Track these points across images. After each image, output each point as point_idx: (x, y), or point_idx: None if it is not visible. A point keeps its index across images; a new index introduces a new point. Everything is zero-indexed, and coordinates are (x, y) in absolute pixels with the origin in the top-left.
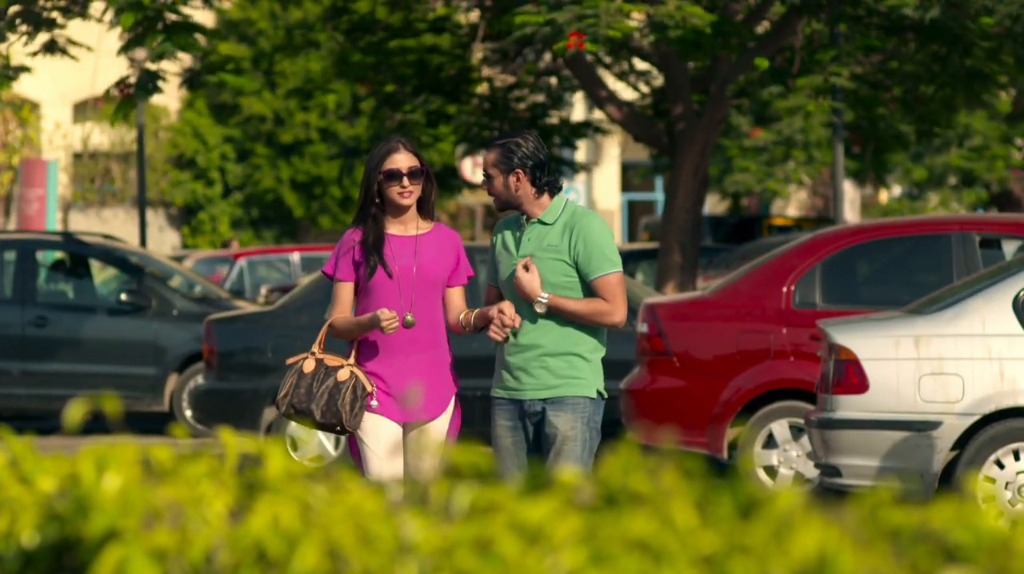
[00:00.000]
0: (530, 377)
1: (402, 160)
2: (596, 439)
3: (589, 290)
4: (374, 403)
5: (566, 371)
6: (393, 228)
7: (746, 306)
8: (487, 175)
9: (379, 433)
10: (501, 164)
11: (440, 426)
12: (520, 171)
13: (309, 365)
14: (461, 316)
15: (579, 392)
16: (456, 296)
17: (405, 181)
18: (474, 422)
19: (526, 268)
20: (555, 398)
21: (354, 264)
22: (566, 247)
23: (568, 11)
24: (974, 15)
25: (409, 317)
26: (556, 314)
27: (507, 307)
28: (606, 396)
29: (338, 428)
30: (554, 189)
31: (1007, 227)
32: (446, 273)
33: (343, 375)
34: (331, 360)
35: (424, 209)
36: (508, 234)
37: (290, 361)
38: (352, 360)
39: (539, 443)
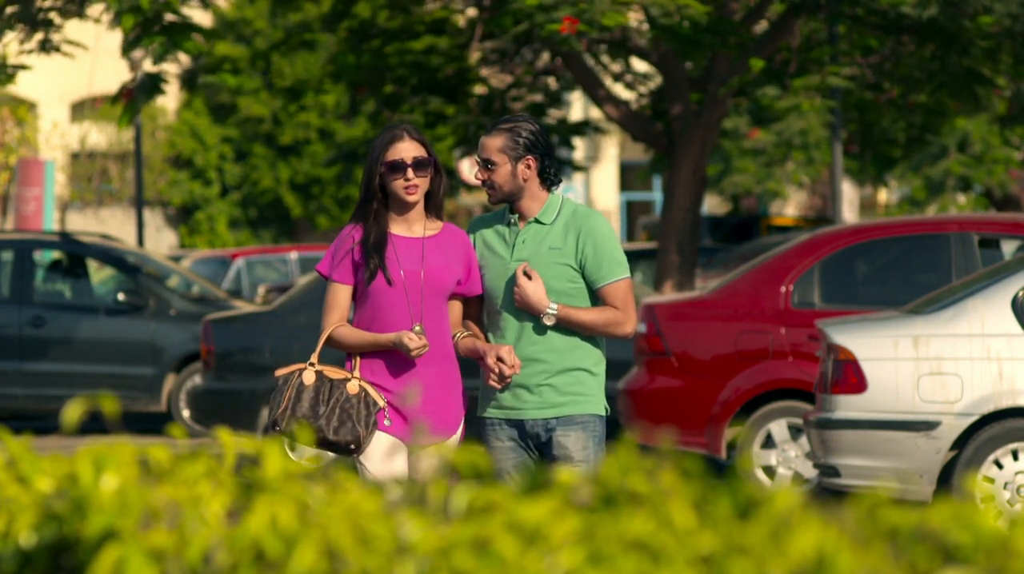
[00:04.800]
0: (532, 395)
1: (407, 149)
2: (604, 455)
3: (594, 296)
4: (387, 422)
5: (572, 387)
6: (397, 228)
7: (745, 306)
8: (489, 162)
9: (383, 456)
10: (509, 150)
11: (451, 446)
12: (530, 158)
13: (309, 377)
14: (455, 336)
15: (588, 410)
16: (456, 309)
17: (410, 173)
18: (472, 422)
19: (527, 275)
20: (562, 417)
21: (354, 266)
22: (572, 250)
23: None
24: (972, 14)
25: (417, 329)
26: (564, 326)
27: (507, 354)
28: (609, 411)
29: (352, 447)
30: (557, 183)
31: (1006, 227)
32: (455, 280)
33: (353, 388)
34: (332, 372)
35: (432, 206)
36: (491, 234)
37: (280, 372)
38: (357, 373)
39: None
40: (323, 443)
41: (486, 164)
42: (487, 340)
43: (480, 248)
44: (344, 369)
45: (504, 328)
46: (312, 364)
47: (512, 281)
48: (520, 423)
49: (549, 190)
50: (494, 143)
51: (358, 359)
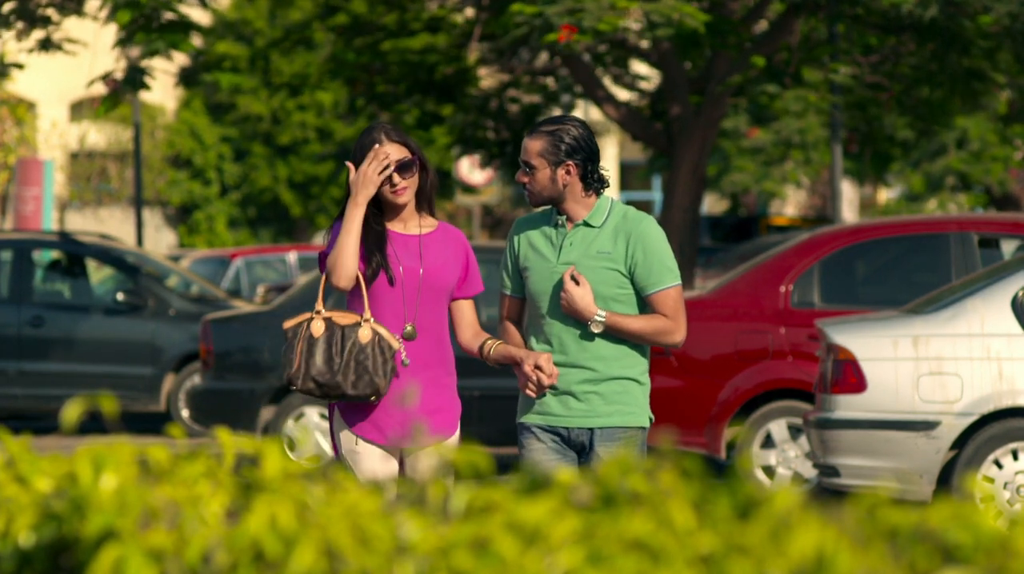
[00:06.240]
0: (579, 402)
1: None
2: None
3: (643, 303)
4: (405, 362)
5: (620, 398)
6: (392, 226)
7: (744, 306)
8: (529, 165)
9: (375, 467)
10: (549, 154)
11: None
12: (571, 163)
13: (318, 327)
14: (485, 344)
15: (633, 422)
16: (467, 310)
17: (395, 177)
18: (472, 422)
19: (575, 280)
20: (606, 428)
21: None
22: (621, 255)
23: (560, 5)
24: (972, 14)
25: (409, 328)
26: (611, 334)
27: (546, 363)
28: (654, 420)
29: (372, 399)
30: (602, 187)
31: (1006, 227)
32: (454, 280)
33: (365, 335)
34: (341, 317)
35: (423, 202)
36: (537, 235)
37: (288, 325)
38: (368, 314)
39: None
40: (343, 398)
41: (526, 167)
42: (526, 343)
43: (524, 249)
44: (352, 311)
45: (549, 333)
46: (319, 312)
47: (558, 285)
48: (565, 431)
49: (596, 194)
50: (534, 146)
51: (367, 299)
